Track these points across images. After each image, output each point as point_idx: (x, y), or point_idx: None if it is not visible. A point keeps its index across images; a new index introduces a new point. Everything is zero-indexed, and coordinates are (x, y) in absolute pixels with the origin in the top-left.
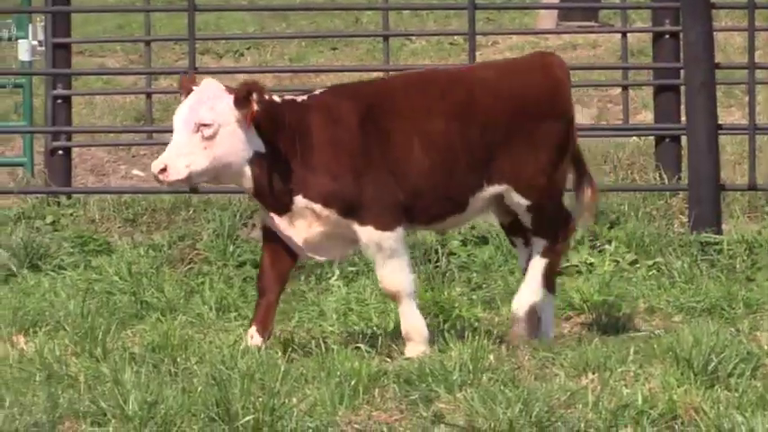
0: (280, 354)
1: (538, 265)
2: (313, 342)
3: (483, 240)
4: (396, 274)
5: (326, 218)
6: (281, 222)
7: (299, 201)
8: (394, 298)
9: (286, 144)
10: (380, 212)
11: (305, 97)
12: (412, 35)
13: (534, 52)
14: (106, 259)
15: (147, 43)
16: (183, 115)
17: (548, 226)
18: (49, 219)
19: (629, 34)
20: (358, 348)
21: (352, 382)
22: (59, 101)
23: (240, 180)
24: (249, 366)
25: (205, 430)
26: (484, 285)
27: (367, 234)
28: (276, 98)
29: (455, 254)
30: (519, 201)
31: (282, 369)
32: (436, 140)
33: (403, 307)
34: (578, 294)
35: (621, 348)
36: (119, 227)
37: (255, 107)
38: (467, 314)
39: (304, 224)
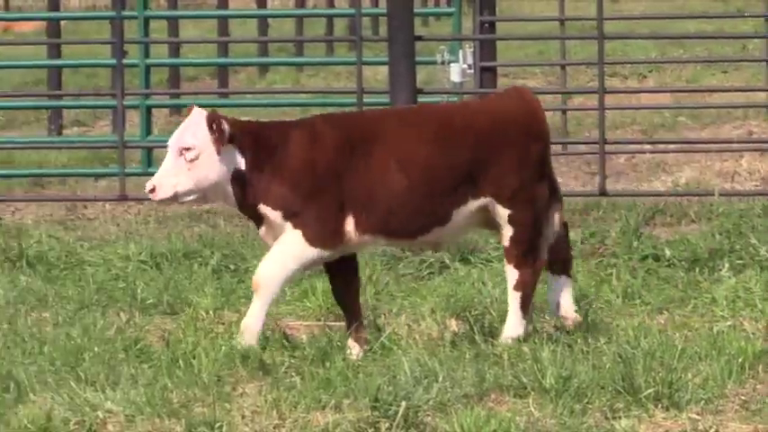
0: (677, 335)
1: (514, 298)
2: (706, 325)
3: None
4: (273, 272)
5: (276, 222)
6: (262, 232)
7: (262, 208)
8: (255, 289)
9: (265, 160)
10: (315, 227)
11: (295, 120)
12: None
13: (510, 86)
14: None
15: (563, 67)
16: (173, 141)
17: (521, 244)
18: None
19: None
20: (744, 330)
21: (740, 360)
22: None
23: (225, 198)
24: (651, 346)
25: (612, 401)
26: None
27: (292, 235)
28: (263, 121)
29: None
30: (501, 211)
31: (680, 348)
32: (414, 163)
33: (256, 302)
34: None
35: None
36: None
37: (222, 131)
38: None
39: (273, 233)
